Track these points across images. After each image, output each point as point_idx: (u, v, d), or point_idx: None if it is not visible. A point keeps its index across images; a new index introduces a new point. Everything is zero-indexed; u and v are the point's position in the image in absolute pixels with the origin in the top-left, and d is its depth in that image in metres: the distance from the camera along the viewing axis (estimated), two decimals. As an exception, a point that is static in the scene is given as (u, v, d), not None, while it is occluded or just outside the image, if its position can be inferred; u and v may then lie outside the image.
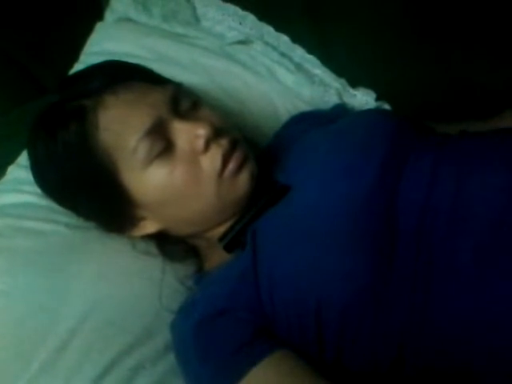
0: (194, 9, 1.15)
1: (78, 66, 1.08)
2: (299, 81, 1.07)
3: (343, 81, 1.09)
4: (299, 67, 1.09)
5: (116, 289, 0.82)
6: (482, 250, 0.65)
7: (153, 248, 0.86)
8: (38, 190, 0.86)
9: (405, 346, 0.67)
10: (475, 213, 0.67)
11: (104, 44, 1.09)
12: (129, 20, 1.12)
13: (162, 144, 0.75)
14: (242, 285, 0.73)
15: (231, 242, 0.80)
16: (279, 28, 1.11)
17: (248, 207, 0.80)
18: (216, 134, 0.77)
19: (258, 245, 0.74)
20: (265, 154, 0.93)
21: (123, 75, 0.81)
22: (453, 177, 0.71)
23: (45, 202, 0.87)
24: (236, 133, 0.82)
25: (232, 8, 1.13)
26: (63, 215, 0.86)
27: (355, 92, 1.08)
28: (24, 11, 1.17)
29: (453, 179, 0.70)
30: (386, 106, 1.07)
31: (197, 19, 1.15)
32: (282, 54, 1.09)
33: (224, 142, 0.77)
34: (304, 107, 1.06)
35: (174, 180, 0.76)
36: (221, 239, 0.81)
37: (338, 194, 0.73)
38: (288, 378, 0.68)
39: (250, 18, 1.12)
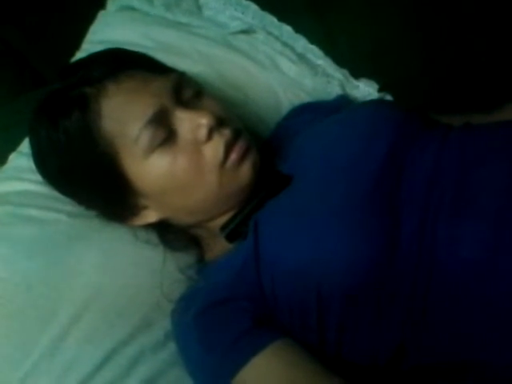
0: (196, -2, 1.15)
1: (79, 55, 1.07)
2: (302, 71, 1.06)
3: (346, 71, 1.08)
4: (302, 57, 1.08)
5: (117, 278, 0.82)
6: (486, 240, 0.65)
7: (154, 237, 0.85)
8: (40, 178, 0.86)
9: (405, 337, 0.68)
10: (478, 204, 0.67)
11: (106, 33, 1.09)
12: (131, 9, 1.11)
13: (165, 133, 0.75)
14: (244, 274, 0.74)
15: (233, 231, 0.80)
16: (282, 18, 1.11)
17: (250, 197, 0.80)
18: (218, 123, 0.77)
19: (259, 235, 0.74)
20: (267, 145, 0.93)
21: (125, 63, 0.80)
22: (456, 168, 0.71)
23: (46, 190, 0.87)
24: (238, 123, 0.82)
25: (234, -3, 1.12)
26: (64, 203, 0.86)
27: (358, 83, 1.08)
28: (24, 0, 1.16)
29: (456, 171, 0.71)
30: (389, 97, 1.07)
31: (199, 8, 1.14)
32: (285, 44, 1.09)
33: (226, 132, 0.77)
34: (306, 98, 1.05)
35: (176, 169, 0.76)
36: (223, 229, 0.81)
37: (340, 184, 0.73)
38: (289, 366, 0.68)
39: (253, 7, 1.12)
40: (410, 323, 0.67)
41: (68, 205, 0.86)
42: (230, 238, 0.80)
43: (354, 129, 0.81)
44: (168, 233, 0.86)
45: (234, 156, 0.77)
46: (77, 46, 1.10)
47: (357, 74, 1.08)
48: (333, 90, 1.06)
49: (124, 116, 0.75)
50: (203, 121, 0.75)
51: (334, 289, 0.68)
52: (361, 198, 0.71)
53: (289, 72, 1.06)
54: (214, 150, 0.76)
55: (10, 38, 1.17)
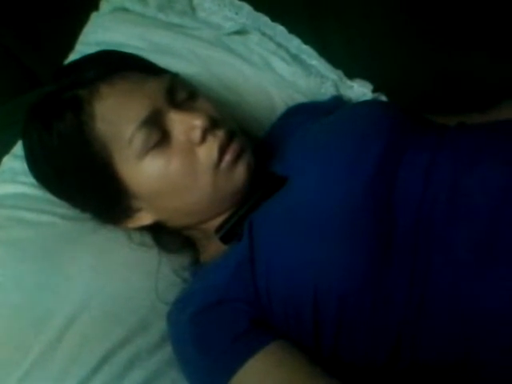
0: (190, -1, 1.15)
1: (72, 56, 1.07)
2: (296, 72, 1.06)
3: (340, 72, 1.08)
4: (296, 58, 1.08)
5: (112, 280, 0.82)
6: (481, 241, 0.65)
7: (149, 240, 0.85)
8: (34, 181, 0.86)
9: (402, 339, 0.68)
10: (473, 204, 0.67)
11: (99, 34, 1.09)
12: (124, 10, 1.11)
13: (158, 135, 0.75)
14: (239, 276, 0.73)
15: (228, 233, 0.80)
16: (275, 18, 1.11)
17: (245, 199, 0.80)
18: (212, 125, 0.77)
19: (254, 236, 0.74)
20: (261, 146, 0.93)
21: (119, 65, 0.80)
22: (451, 169, 0.71)
23: (40, 192, 0.87)
24: (233, 124, 0.81)
25: (228, -2, 1.12)
26: (59, 206, 0.86)
27: (352, 83, 1.08)
28: (18, 1, 1.16)
29: (451, 171, 0.70)
30: (383, 98, 1.07)
31: (193, 9, 1.14)
32: (279, 45, 1.09)
33: (220, 134, 0.77)
34: (301, 98, 1.05)
35: (170, 171, 0.76)
36: (217, 231, 0.80)
37: (335, 186, 0.73)
38: (286, 368, 0.68)
39: (246, 8, 1.12)
40: (406, 322, 0.67)
41: (62, 207, 0.86)
42: (225, 239, 0.80)
43: (349, 129, 0.81)
44: (163, 235, 0.86)
45: (228, 157, 0.77)
46: (71, 47, 1.10)
47: (351, 74, 1.08)
48: (327, 91, 1.06)
49: (117, 118, 0.75)
50: (197, 122, 0.75)
51: (330, 291, 0.67)
52: (356, 199, 0.71)
53: (283, 72, 1.06)
54: (208, 151, 0.76)
55: (4, 40, 1.17)
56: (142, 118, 0.75)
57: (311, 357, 0.70)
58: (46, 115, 0.78)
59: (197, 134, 0.75)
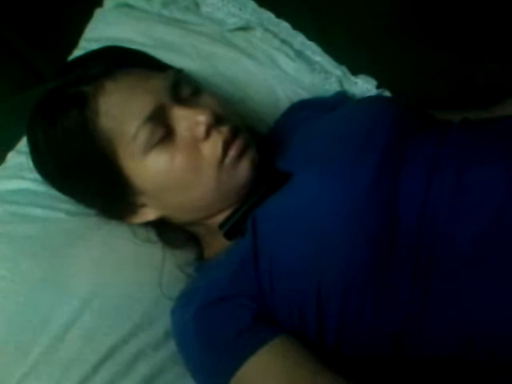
0: (193, -6, 1.15)
1: (77, 53, 1.07)
2: (300, 68, 1.06)
3: (344, 68, 1.08)
4: (300, 54, 1.08)
5: (116, 276, 0.82)
6: (484, 238, 0.65)
7: (153, 235, 0.85)
8: (38, 177, 0.86)
9: (404, 334, 0.68)
10: (477, 201, 0.67)
11: (103, 30, 1.09)
12: (128, 6, 1.11)
13: (163, 131, 0.75)
14: (243, 271, 0.73)
15: (232, 229, 0.80)
16: (279, 14, 1.11)
17: (249, 194, 0.80)
18: (217, 121, 0.76)
19: (258, 232, 0.74)
20: (265, 142, 0.93)
21: (123, 61, 0.80)
22: (454, 165, 0.71)
23: (45, 188, 0.87)
24: (237, 120, 0.81)
25: (232, -6, 1.12)
26: (63, 202, 0.86)
27: (356, 79, 1.08)
28: (22, -1, 1.17)
29: (454, 168, 0.70)
30: (387, 94, 1.07)
31: (196, 5, 1.14)
32: (283, 41, 1.09)
33: (225, 130, 0.77)
34: (305, 95, 1.05)
35: (174, 167, 0.76)
36: (221, 226, 0.80)
37: (338, 183, 0.73)
38: (289, 363, 0.68)
39: (250, 4, 1.12)
40: (408, 318, 0.67)
41: (67, 203, 0.86)
42: (229, 235, 0.80)
43: (353, 125, 0.81)
44: (167, 230, 0.86)
45: (232, 153, 0.76)
46: (74, 43, 1.10)
47: (355, 70, 1.08)
48: (331, 87, 1.06)
49: (122, 114, 0.75)
50: (201, 118, 0.75)
51: (333, 287, 0.68)
52: (359, 196, 0.70)
53: (287, 69, 1.06)
54: (212, 147, 0.76)
55: (8, 36, 1.17)
56: (146, 113, 0.75)
57: (315, 352, 0.70)
58: (51, 111, 0.78)
59: (201, 130, 0.75)
